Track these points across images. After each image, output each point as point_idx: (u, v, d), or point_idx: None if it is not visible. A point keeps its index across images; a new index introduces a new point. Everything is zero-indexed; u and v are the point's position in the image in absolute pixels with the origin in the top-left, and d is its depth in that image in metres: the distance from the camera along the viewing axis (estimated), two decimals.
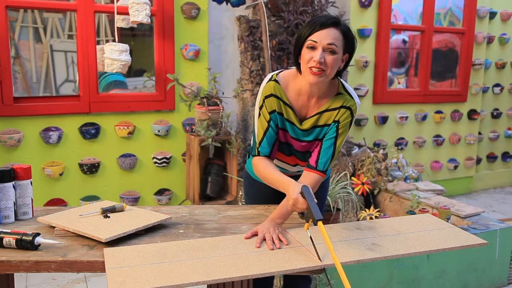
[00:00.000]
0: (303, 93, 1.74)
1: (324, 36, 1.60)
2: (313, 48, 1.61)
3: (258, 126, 1.78)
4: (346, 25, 1.66)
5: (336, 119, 1.73)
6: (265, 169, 1.73)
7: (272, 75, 1.77)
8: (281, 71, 1.79)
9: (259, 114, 1.77)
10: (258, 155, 1.77)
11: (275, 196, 1.99)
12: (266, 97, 1.74)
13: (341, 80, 1.80)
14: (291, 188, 1.55)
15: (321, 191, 2.01)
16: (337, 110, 1.73)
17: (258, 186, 2.02)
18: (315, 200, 1.48)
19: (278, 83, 1.74)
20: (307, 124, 1.77)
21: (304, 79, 1.68)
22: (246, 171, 2.10)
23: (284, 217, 1.69)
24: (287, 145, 1.82)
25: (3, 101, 3.19)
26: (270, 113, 1.74)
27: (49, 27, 4.47)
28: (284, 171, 1.90)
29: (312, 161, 1.76)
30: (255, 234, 1.62)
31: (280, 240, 1.58)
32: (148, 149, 3.65)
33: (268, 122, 1.74)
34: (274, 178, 1.68)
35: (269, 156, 1.77)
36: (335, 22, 1.62)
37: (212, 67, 3.75)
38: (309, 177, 1.73)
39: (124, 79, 4.27)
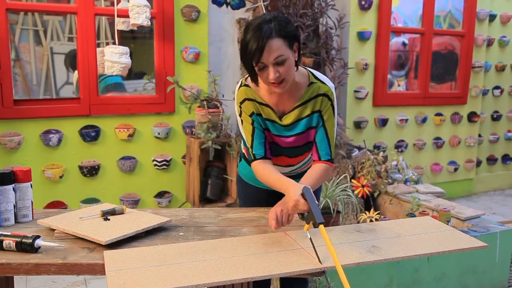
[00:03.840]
0: (274, 92, 1.75)
1: (269, 54, 1.58)
2: (264, 68, 1.62)
3: (244, 132, 1.80)
4: (280, 21, 1.61)
5: (316, 108, 1.76)
6: (264, 172, 1.74)
7: (241, 81, 1.81)
8: (248, 75, 1.79)
9: (242, 121, 1.80)
10: (255, 158, 1.78)
11: (267, 199, 2.02)
12: (241, 102, 1.78)
13: (309, 69, 1.82)
14: (292, 190, 1.55)
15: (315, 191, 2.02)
16: (313, 100, 1.76)
17: (250, 189, 2.06)
18: (317, 202, 1.48)
19: (248, 86, 1.78)
20: (288, 119, 1.78)
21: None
22: (238, 174, 2.13)
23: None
24: (274, 145, 1.83)
25: (3, 103, 3.19)
26: (250, 115, 1.77)
27: (49, 30, 4.48)
28: None
29: (314, 157, 1.80)
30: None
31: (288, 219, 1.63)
32: (148, 151, 3.65)
33: (252, 124, 1.77)
34: (274, 179, 1.69)
35: (266, 156, 1.78)
36: (269, 32, 1.57)
37: (212, 69, 3.76)
38: (315, 167, 1.77)
39: (122, 82, 4.27)
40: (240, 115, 1.80)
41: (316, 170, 1.76)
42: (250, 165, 1.84)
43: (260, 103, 1.77)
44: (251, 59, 1.61)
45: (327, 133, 1.78)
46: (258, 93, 1.77)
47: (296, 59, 1.68)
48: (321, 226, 1.42)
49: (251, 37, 1.59)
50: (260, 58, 1.59)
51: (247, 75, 1.80)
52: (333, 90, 1.78)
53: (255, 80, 1.71)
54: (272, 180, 1.70)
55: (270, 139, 1.82)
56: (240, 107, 1.78)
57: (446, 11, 5.07)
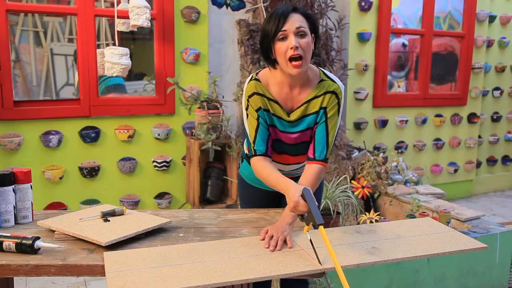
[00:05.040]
0: (285, 86, 1.77)
1: (291, 23, 1.64)
2: (284, 38, 1.65)
3: (249, 126, 1.80)
4: (303, 8, 1.73)
5: (323, 105, 1.76)
6: (264, 170, 1.73)
7: (252, 75, 1.81)
8: (260, 70, 1.82)
9: (247, 115, 1.80)
10: (255, 154, 1.78)
11: (268, 200, 2.02)
12: (249, 96, 1.77)
13: (321, 68, 1.84)
14: (291, 190, 1.54)
15: (316, 192, 2.01)
16: (322, 97, 1.76)
17: (251, 190, 2.05)
18: (316, 203, 1.48)
19: (259, 81, 1.77)
20: (295, 115, 1.78)
21: (285, 72, 1.71)
22: (239, 175, 2.12)
23: (291, 216, 1.67)
24: (278, 141, 1.83)
25: (3, 104, 3.19)
26: (257, 110, 1.76)
27: (50, 31, 4.48)
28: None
29: (310, 153, 1.79)
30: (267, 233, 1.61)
31: (285, 242, 1.57)
32: (148, 152, 3.65)
33: (257, 119, 1.76)
34: (274, 179, 1.69)
35: (266, 153, 1.78)
36: (294, 8, 1.68)
37: (212, 70, 3.76)
38: (311, 169, 1.75)
39: (123, 83, 4.28)
40: (246, 109, 1.79)
41: (311, 172, 1.75)
42: (249, 162, 1.83)
43: (269, 99, 1.77)
44: (273, 30, 1.65)
45: (328, 130, 1.76)
46: (268, 89, 1.77)
47: (312, 49, 1.71)
48: (321, 227, 1.42)
49: (274, 13, 1.68)
50: (283, 26, 1.63)
51: (258, 70, 1.82)
52: (342, 89, 1.78)
53: (271, 63, 1.72)
54: (271, 179, 1.70)
55: (274, 135, 1.81)
56: (248, 100, 1.77)
57: (446, 12, 5.07)
